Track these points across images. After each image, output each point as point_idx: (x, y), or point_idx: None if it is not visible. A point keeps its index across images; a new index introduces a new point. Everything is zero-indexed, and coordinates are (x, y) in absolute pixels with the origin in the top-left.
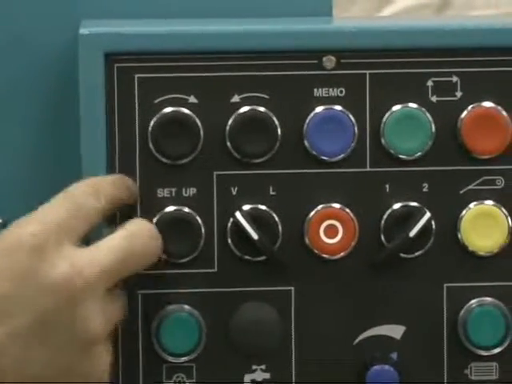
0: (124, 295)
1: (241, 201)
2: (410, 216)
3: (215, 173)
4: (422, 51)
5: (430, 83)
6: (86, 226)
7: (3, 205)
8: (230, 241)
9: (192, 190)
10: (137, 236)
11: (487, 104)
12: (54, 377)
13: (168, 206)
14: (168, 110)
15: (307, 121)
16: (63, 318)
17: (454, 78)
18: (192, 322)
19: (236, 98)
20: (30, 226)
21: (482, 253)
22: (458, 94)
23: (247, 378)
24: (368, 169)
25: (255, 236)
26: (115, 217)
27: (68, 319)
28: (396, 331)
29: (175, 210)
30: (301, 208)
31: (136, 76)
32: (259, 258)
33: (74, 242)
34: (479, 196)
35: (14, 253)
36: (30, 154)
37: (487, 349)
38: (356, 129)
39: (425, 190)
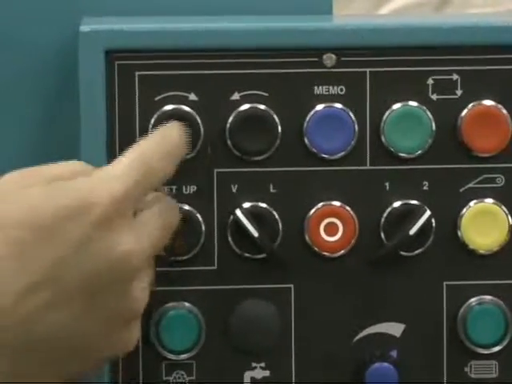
0: (154, 265)
1: (241, 198)
2: (409, 214)
3: (215, 170)
4: (422, 49)
5: (430, 81)
6: (151, 191)
7: None
8: (230, 238)
9: (192, 188)
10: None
11: (487, 102)
12: (95, 347)
13: None
14: (168, 107)
15: (307, 118)
16: (114, 292)
17: (455, 76)
18: (192, 320)
19: (236, 96)
20: (104, 188)
21: (482, 251)
22: (459, 92)
23: (247, 375)
24: (368, 167)
25: (255, 233)
26: None
27: (118, 295)
28: (396, 329)
29: None
30: (301, 206)
31: (136, 73)
32: (259, 256)
33: (134, 209)
34: (479, 194)
35: (82, 216)
36: (30, 151)
37: (487, 347)
38: (356, 127)
39: (425, 188)
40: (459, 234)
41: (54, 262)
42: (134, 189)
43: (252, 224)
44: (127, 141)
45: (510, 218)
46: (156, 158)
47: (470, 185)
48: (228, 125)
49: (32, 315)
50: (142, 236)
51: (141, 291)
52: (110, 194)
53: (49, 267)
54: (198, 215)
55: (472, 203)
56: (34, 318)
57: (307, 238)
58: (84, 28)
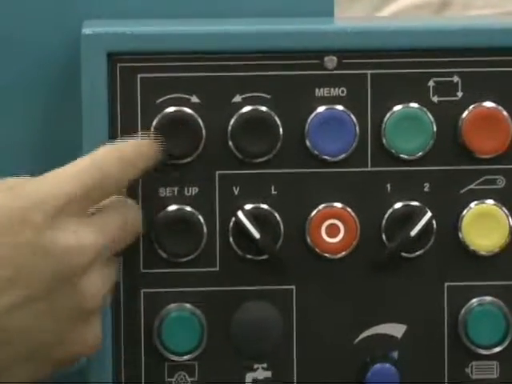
0: (118, 262)
1: (243, 200)
2: (411, 215)
3: (217, 172)
4: (423, 51)
5: (431, 83)
6: (104, 197)
7: None
8: (231, 240)
9: (194, 190)
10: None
11: (488, 104)
12: (50, 346)
13: (170, 205)
14: (170, 109)
15: (309, 120)
16: (62, 290)
17: (456, 78)
18: (194, 321)
19: (238, 98)
20: (50, 189)
21: (482, 252)
22: (459, 94)
23: (249, 376)
24: (369, 168)
25: (257, 235)
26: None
27: (66, 292)
28: (397, 330)
29: (177, 209)
30: (302, 207)
31: (138, 76)
32: (261, 257)
33: (86, 213)
34: (480, 195)
35: (30, 217)
36: (32, 153)
37: (488, 348)
38: (357, 129)
39: (426, 189)
40: (460, 235)
41: (11, 263)
42: (81, 190)
43: (254, 226)
44: None
45: (510, 219)
46: (112, 164)
47: (471, 186)
48: (230, 127)
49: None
50: (89, 234)
51: (92, 287)
52: (54, 194)
53: (8, 269)
54: (200, 217)
55: (473, 204)
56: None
57: (309, 239)
58: (86, 31)
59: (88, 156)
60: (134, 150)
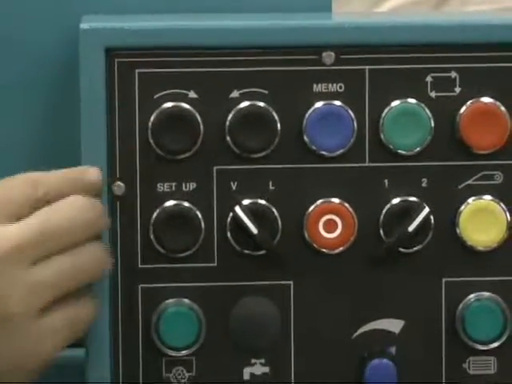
0: (91, 302)
1: (240, 195)
2: (408, 211)
3: (215, 167)
4: (421, 47)
5: (429, 79)
6: (13, 208)
7: None
8: (229, 235)
9: (192, 185)
10: (55, 210)
11: (486, 99)
12: None
13: (168, 200)
14: (168, 104)
15: (306, 116)
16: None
17: (453, 74)
18: (192, 316)
19: (236, 94)
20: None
21: (480, 248)
22: (457, 89)
23: (246, 371)
24: (367, 164)
25: (255, 230)
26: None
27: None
28: (395, 325)
29: (175, 205)
30: (300, 203)
31: (136, 71)
32: (259, 253)
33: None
34: (478, 191)
35: None
36: (31, 149)
37: (485, 343)
38: (355, 124)
39: (424, 185)
40: (458, 230)
41: None
42: (27, 242)
43: (251, 221)
44: (127, 138)
45: (508, 214)
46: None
47: (469, 182)
48: (227, 122)
49: None
50: (24, 286)
51: (13, 287)
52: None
53: None
54: (198, 212)
55: (470, 200)
56: None
57: (306, 234)
58: (84, 26)
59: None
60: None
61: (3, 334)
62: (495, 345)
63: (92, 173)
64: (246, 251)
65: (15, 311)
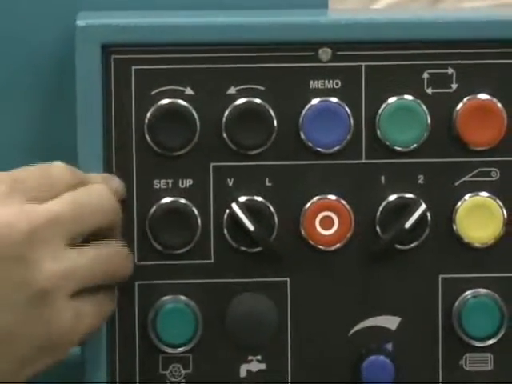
0: (113, 294)
1: (237, 192)
2: (405, 207)
3: (212, 164)
4: (417, 43)
5: (425, 75)
6: (47, 191)
7: None
8: (226, 232)
9: (188, 182)
10: (86, 191)
11: (483, 96)
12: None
13: (164, 197)
14: (164, 101)
15: (303, 113)
16: (11, 270)
17: (450, 70)
18: (188, 313)
19: (232, 90)
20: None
21: (477, 244)
22: (454, 86)
23: (243, 368)
24: (364, 160)
25: (251, 227)
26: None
27: (16, 271)
28: (391, 322)
29: (172, 202)
30: (297, 199)
31: (133, 68)
32: (255, 249)
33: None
34: (474, 188)
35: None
36: (29, 149)
37: (482, 340)
38: (352, 121)
39: (420, 181)
40: (454, 227)
41: None
42: (29, 178)
43: (248, 218)
44: (123, 134)
45: (504, 211)
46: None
47: (465, 178)
48: (224, 119)
49: None
50: (60, 263)
51: (47, 264)
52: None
53: None
54: (194, 209)
55: (467, 197)
56: None
57: (303, 231)
58: (80, 22)
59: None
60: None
61: (36, 311)
62: (492, 341)
63: (116, 181)
64: (243, 248)
65: (49, 289)
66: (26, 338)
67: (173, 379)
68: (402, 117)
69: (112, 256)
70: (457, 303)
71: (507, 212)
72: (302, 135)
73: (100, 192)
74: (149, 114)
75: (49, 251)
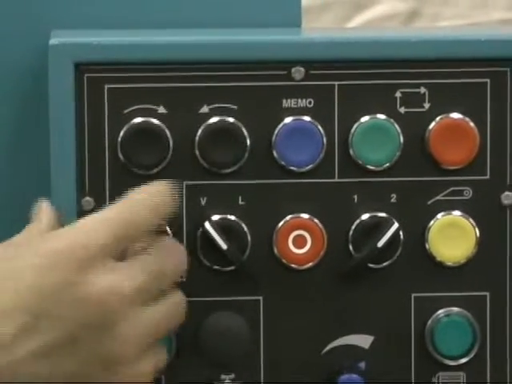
0: (176, 298)
1: (210, 211)
2: (378, 226)
3: (184, 183)
4: (390, 62)
5: (398, 94)
6: (133, 243)
7: None
8: (199, 251)
9: None
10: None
11: (455, 115)
12: None
13: None
14: (137, 120)
15: (276, 131)
16: (94, 334)
17: (422, 90)
18: None
19: (205, 109)
20: (80, 239)
21: (449, 263)
22: (426, 105)
23: None
24: (336, 179)
25: (224, 246)
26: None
27: (98, 336)
28: (364, 341)
29: None
30: (270, 218)
31: (106, 86)
32: (228, 268)
33: (116, 260)
34: (447, 206)
35: (61, 264)
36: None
37: (454, 358)
38: (324, 139)
39: (393, 200)
40: (427, 246)
41: (32, 309)
42: (111, 239)
43: (221, 236)
44: (96, 153)
45: (477, 230)
46: (139, 213)
47: (438, 197)
48: (197, 137)
49: (21, 360)
50: (119, 281)
51: (126, 334)
52: (84, 244)
53: (27, 315)
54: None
55: (440, 215)
56: (22, 363)
57: (276, 250)
58: (53, 41)
59: (116, 205)
60: (159, 198)
61: (106, 375)
62: (464, 360)
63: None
64: (216, 267)
65: (123, 354)
66: None
67: None
68: (375, 136)
69: (172, 309)
70: (429, 322)
71: (479, 231)
72: (275, 154)
73: (172, 253)
74: (122, 133)
75: (129, 323)
